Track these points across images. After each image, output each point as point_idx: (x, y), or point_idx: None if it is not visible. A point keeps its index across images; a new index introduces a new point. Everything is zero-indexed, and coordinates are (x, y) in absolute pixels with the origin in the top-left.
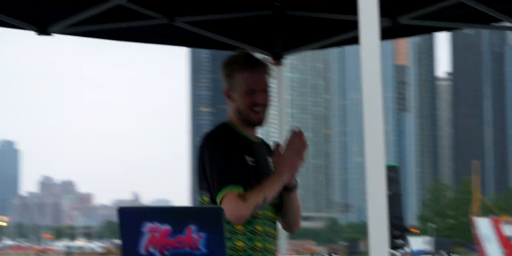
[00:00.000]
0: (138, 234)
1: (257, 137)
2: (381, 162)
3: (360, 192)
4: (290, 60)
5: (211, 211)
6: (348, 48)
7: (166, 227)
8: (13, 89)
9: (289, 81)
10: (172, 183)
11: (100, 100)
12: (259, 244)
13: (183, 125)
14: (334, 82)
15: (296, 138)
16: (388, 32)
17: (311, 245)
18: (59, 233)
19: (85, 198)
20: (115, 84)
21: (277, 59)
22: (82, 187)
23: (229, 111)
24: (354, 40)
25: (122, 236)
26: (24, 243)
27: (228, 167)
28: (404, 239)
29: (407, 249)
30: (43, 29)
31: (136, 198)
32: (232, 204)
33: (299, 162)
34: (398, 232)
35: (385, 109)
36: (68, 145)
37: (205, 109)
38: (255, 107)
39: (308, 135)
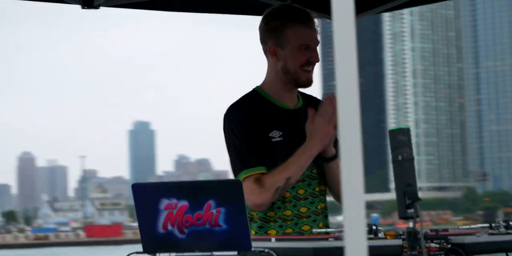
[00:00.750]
0: (155, 211)
1: (299, 101)
2: (357, 136)
3: (497, 160)
4: (421, 30)
5: (230, 184)
6: (480, 17)
7: (183, 203)
8: (145, 70)
9: (421, 52)
10: None
11: (234, 78)
12: (303, 209)
13: None
14: (466, 51)
15: (329, 104)
16: None
17: (448, 215)
18: None
19: (221, 176)
20: (248, 62)
21: None
22: (218, 165)
23: (268, 73)
24: (410, 3)
25: (139, 214)
26: None
27: (243, 147)
28: (416, 208)
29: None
30: (89, 2)
31: None
32: (248, 192)
33: (332, 131)
34: (410, 201)
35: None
36: (202, 123)
37: (335, 83)
38: (307, 66)
39: (442, 105)
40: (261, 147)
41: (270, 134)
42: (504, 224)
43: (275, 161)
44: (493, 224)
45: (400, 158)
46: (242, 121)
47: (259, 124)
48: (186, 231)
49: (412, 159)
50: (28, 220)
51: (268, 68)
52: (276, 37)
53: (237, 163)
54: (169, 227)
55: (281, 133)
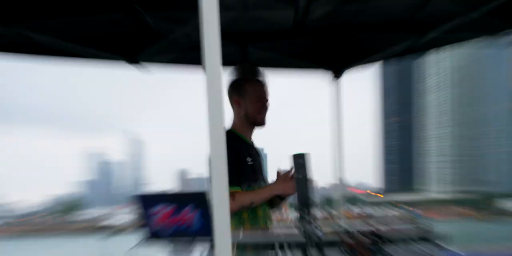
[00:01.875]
0: (152, 214)
1: (252, 141)
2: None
3: None
4: None
5: (199, 195)
6: None
7: (170, 208)
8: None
9: None
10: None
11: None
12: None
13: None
14: None
15: (282, 175)
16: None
17: None
18: None
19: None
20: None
21: (337, 74)
22: None
23: (234, 118)
24: (409, 51)
25: (142, 217)
26: None
27: (228, 169)
28: (309, 215)
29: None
30: (133, 59)
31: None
32: None
33: (290, 185)
34: (306, 209)
35: None
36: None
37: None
38: (263, 110)
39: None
40: (239, 171)
41: (246, 159)
42: None
43: (248, 177)
44: None
45: (299, 177)
46: (229, 149)
47: (241, 153)
48: (172, 229)
49: (306, 178)
50: None
51: (234, 115)
52: (238, 91)
53: None
54: (160, 226)
55: (251, 159)
